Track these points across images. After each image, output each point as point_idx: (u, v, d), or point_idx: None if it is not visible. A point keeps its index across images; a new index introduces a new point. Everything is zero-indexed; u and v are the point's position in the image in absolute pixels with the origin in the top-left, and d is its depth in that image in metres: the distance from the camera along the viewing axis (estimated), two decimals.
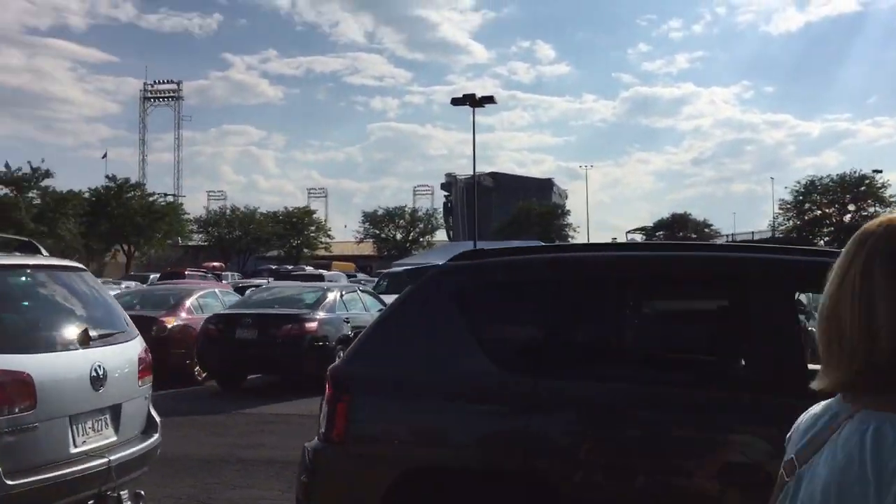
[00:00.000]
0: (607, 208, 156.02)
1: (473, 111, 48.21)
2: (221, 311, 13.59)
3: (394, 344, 4.04)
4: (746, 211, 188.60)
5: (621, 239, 75.57)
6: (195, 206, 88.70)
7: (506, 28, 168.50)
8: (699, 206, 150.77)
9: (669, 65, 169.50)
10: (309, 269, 46.45)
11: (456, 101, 48.31)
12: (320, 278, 31.08)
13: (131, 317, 13.38)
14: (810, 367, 3.71)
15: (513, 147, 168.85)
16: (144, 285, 27.98)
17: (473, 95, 47.67)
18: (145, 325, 13.23)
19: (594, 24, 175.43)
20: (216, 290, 15.41)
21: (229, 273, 50.13)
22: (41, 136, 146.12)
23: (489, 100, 48.49)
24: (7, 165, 55.39)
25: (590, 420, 3.65)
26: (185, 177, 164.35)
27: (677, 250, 4.76)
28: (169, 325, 13.20)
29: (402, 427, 3.94)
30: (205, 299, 14.45)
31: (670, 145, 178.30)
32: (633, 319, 4.29)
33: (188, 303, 14.00)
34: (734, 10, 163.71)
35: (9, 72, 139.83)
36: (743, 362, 3.89)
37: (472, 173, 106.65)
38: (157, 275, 39.70)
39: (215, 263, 57.13)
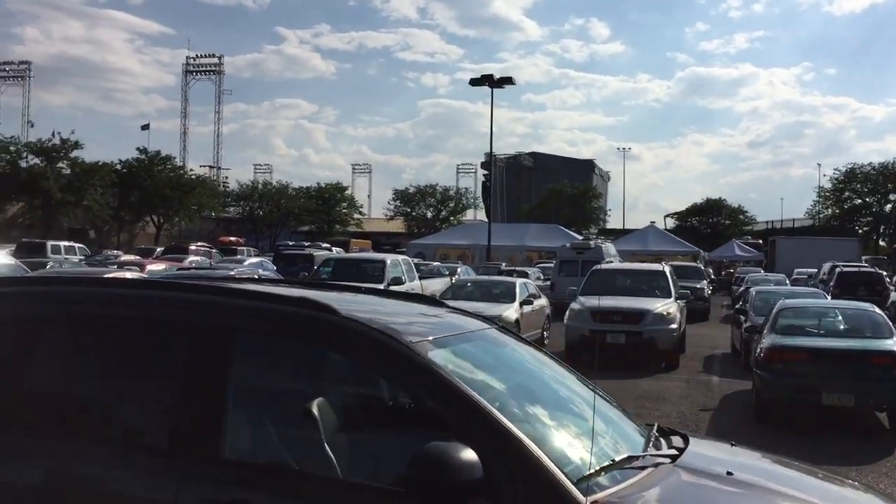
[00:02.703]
0: (660, 190, 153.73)
1: (492, 91, 47.44)
2: None
3: None
4: (800, 197, 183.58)
5: (660, 223, 74.16)
6: (243, 178, 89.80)
7: (559, 5, 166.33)
8: (755, 189, 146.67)
9: (727, 44, 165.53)
10: (324, 246, 46.62)
11: (474, 82, 47.59)
12: (310, 258, 30.97)
13: None
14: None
15: (564, 126, 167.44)
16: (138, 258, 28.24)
17: (491, 76, 46.86)
18: None
19: (650, 1, 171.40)
20: None
21: (246, 248, 50.61)
22: (101, 105, 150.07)
23: (508, 80, 47.61)
24: (57, 135, 56.59)
25: None
26: (238, 150, 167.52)
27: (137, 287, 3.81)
28: None
29: None
30: None
31: (726, 127, 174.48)
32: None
33: None
34: None
35: (70, 42, 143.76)
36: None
37: (513, 153, 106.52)
38: (162, 249, 40.23)
39: (232, 238, 57.72)
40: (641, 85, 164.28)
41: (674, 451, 3.36)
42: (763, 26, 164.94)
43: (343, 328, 3.12)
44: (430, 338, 3.25)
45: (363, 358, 3.18)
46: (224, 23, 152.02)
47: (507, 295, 17.42)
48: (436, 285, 21.36)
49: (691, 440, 3.60)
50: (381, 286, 18.05)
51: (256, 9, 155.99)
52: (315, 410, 2.99)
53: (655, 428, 3.73)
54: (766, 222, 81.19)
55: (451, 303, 16.40)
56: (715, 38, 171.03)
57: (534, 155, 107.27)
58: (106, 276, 12.42)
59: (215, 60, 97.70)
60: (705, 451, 3.64)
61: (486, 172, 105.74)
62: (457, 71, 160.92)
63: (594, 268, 19.02)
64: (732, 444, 3.87)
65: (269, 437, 3.12)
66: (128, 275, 14.57)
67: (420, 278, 22.87)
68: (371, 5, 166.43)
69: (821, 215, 70.71)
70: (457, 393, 2.90)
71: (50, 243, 35.15)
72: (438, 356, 3.10)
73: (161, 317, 3.31)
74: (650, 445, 3.43)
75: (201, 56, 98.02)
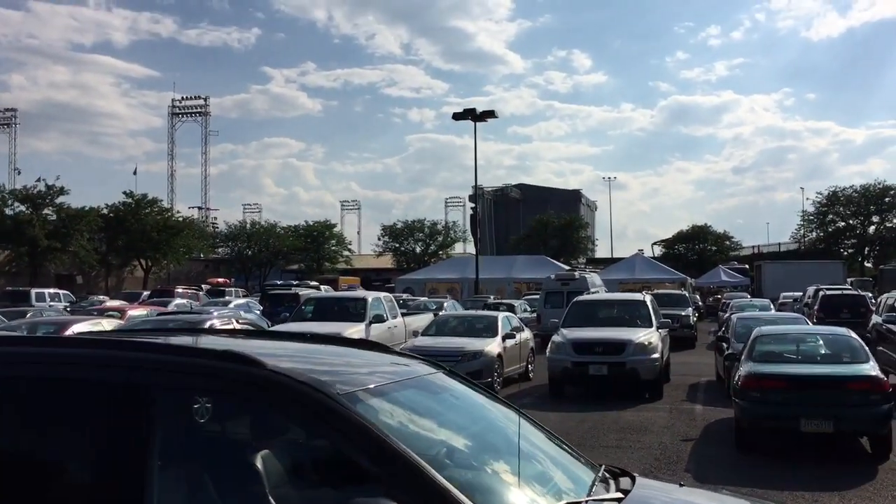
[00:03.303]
0: (647, 218, 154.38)
1: (475, 125, 47.75)
2: None
3: None
4: (785, 221, 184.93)
5: (648, 251, 74.34)
6: (233, 219, 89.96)
7: (542, 37, 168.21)
8: (741, 215, 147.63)
9: (708, 72, 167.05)
10: (312, 285, 46.45)
11: (457, 117, 47.92)
12: (296, 297, 30.86)
13: None
14: None
15: (550, 157, 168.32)
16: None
17: (474, 110, 47.22)
18: None
19: (631, 32, 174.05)
20: None
21: (234, 289, 50.47)
22: (89, 150, 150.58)
23: (490, 114, 47.97)
24: (42, 181, 56.57)
25: None
26: (228, 190, 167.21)
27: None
28: None
29: None
30: None
31: (710, 154, 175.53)
32: None
33: None
34: (774, 15, 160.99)
35: (56, 88, 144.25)
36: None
37: (500, 185, 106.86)
38: (148, 293, 40.05)
39: (220, 280, 57.52)
40: (625, 114, 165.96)
41: (618, 495, 3.31)
42: (742, 53, 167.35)
43: (268, 381, 2.99)
44: (364, 387, 3.15)
45: (289, 412, 3.06)
46: (210, 64, 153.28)
47: (490, 329, 17.38)
48: (420, 321, 21.28)
49: (638, 481, 3.55)
50: (363, 324, 18.03)
51: (242, 49, 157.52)
52: (248, 467, 2.91)
53: (603, 468, 3.69)
54: (753, 247, 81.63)
55: (433, 339, 16.37)
56: (696, 67, 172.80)
57: (521, 186, 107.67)
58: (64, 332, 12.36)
59: (201, 102, 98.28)
60: (652, 493, 3.58)
61: (472, 205, 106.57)
62: (443, 105, 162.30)
63: (575, 299, 19.03)
64: (681, 485, 3.83)
65: (197, 498, 3.02)
66: (104, 322, 14.52)
67: (406, 314, 22.81)
68: (356, 43, 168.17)
69: (806, 239, 71.15)
70: (383, 445, 2.80)
71: (34, 291, 34.98)
72: (369, 407, 3.01)
73: (77, 376, 3.17)
74: (594, 488, 3.38)
75: (187, 98, 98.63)
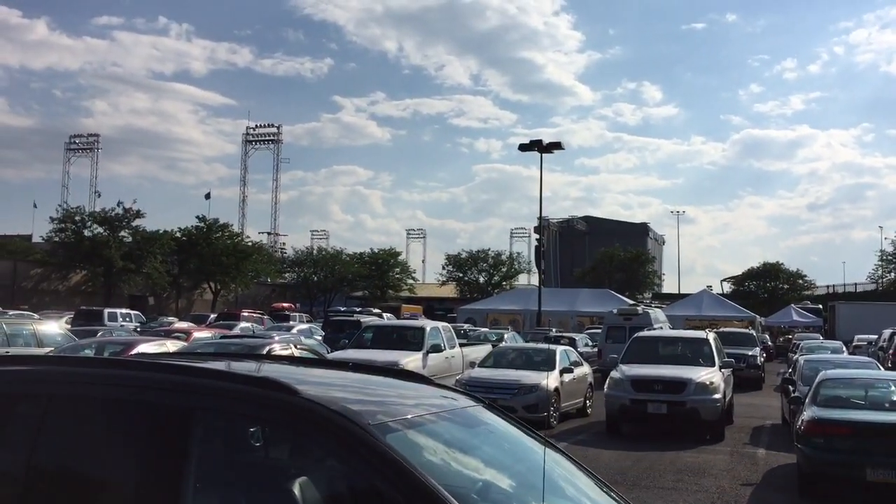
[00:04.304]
0: (717, 253, 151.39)
1: (541, 157, 47.68)
2: None
3: None
4: (862, 260, 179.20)
5: (717, 288, 72.85)
6: (301, 244, 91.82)
7: (611, 69, 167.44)
8: (816, 253, 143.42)
9: (783, 106, 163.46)
10: (375, 312, 46.73)
11: (523, 148, 47.87)
12: (358, 324, 31.08)
13: None
14: None
15: (618, 189, 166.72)
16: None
17: (540, 141, 47.12)
18: None
19: (703, 64, 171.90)
20: None
21: (298, 314, 51.17)
22: (166, 175, 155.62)
23: (557, 146, 47.76)
24: (120, 204, 58.81)
25: None
26: (297, 216, 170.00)
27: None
28: None
29: None
30: None
31: (784, 189, 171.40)
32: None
33: None
34: (853, 49, 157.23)
35: (136, 114, 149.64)
36: None
37: (567, 217, 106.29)
38: (215, 315, 40.87)
39: (284, 304, 58.38)
40: (696, 147, 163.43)
41: None
42: (819, 87, 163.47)
43: (300, 409, 2.99)
44: (395, 419, 3.13)
45: (320, 439, 3.05)
46: (283, 93, 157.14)
47: (547, 363, 17.19)
48: (478, 352, 21.20)
49: None
50: (420, 353, 18.05)
51: (314, 79, 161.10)
52: (282, 493, 2.94)
53: None
54: (827, 286, 79.17)
55: (490, 371, 16.24)
56: (770, 100, 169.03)
57: (587, 219, 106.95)
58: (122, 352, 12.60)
59: (274, 130, 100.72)
60: None
61: (538, 237, 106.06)
62: (510, 136, 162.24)
63: (635, 335, 18.73)
64: None
65: None
66: (169, 343, 14.86)
67: (466, 345, 22.74)
68: (425, 73, 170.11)
69: (883, 280, 68.69)
70: (409, 477, 2.76)
71: (107, 311, 36.05)
72: (399, 438, 2.98)
73: (119, 397, 3.22)
74: None
75: (261, 126, 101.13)
